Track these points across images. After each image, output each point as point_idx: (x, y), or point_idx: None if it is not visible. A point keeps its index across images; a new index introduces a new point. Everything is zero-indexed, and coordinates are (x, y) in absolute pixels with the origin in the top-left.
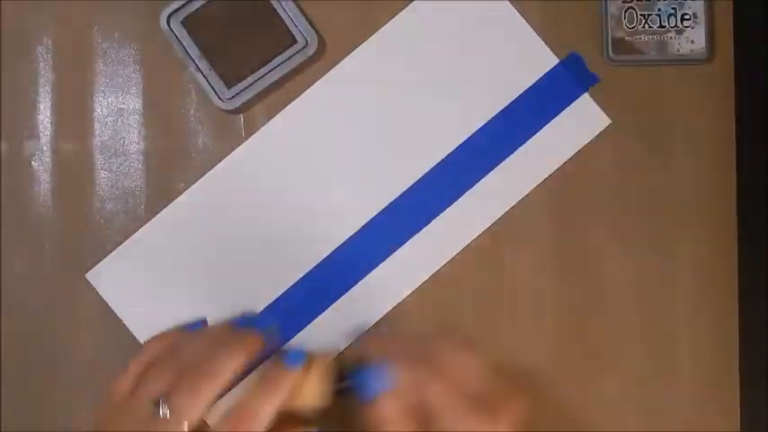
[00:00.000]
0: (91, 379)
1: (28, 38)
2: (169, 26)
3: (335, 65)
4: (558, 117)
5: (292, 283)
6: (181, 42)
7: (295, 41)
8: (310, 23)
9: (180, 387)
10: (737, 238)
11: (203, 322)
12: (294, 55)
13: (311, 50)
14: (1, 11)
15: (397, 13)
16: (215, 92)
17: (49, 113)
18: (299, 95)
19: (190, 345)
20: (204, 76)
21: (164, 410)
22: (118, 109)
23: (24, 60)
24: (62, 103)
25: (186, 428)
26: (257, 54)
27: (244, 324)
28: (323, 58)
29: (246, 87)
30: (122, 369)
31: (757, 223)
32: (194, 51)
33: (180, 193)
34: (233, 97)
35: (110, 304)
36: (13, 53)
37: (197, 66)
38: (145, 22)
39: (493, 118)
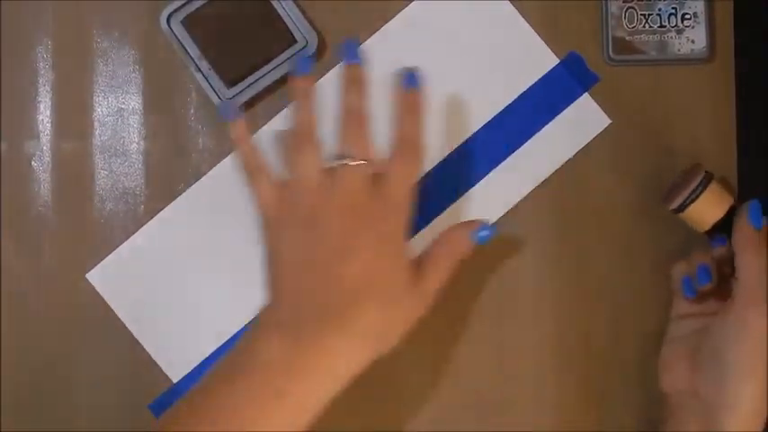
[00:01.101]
0: (91, 379)
1: (28, 38)
2: (169, 26)
3: (335, 65)
4: (558, 117)
5: None
6: (181, 42)
7: (295, 41)
8: (310, 23)
9: (345, 143)
10: None
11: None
12: (294, 55)
13: (311, 50)
14: (1, 11)
15: (396, 14)
16: (215, 92)
17: (48, 113)
18: None
19: (302, 115)
20: (204, 75)
21: (350, 162)
22: (118, 109)
23: (24, 60)
24: (62, 103)
25: (367, 162)
26: (257, 54)
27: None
28: (323, 57)
29: (246, 87)
30: (252, 170)
31: None
32: (194, 51)
33: (180, 193)
34: (233, 97)
35: (110, 304)
36: (13, 53)
37: (197, 66)
38: (145, 22)
39: (493, 118)
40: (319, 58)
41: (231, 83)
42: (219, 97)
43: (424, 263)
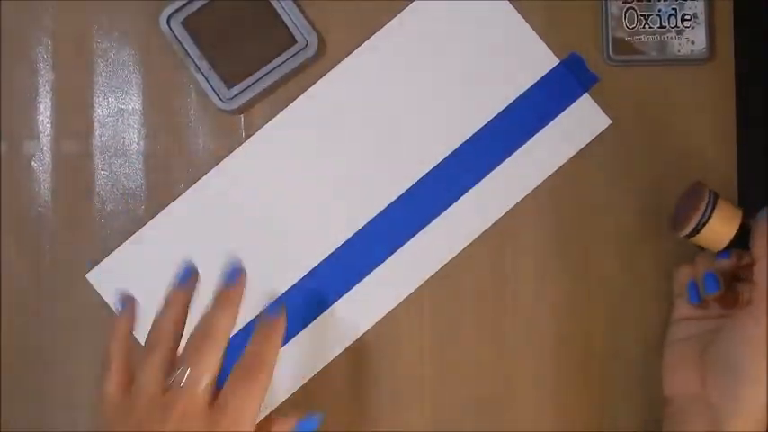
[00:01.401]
0: (91, 379)
1: (28, 38)
2: (169, 26)
3: (335, 65)
4: (558, 117)
5: (293, 284)
6: (181, 43)
7: (295, 42)
8: (310, 24)
9: (185, 359)
10: None
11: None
12: (294, 55)
13: (311, 51)
14: (1, 11)
15: (397, 14)
16: (215, 92)
17: (48, 114)
18: (299, 95)
19: (163, 321)
20: (204, 76)
21: (179, 379)
22: (118, 109)
23: (24, 60)
24: (62, 104)
25: (205, 386)
26: (257, 54)
27: (227, 278)
28: (323, 58)
29: (246, 88)
30: (107, 366)
31: None
32: (194, 52)
33: (180, 194)
34: (233, 98)
35: (110, 304)
36: (13, 53)
37: (197, 66)
38: (145, 23)
39: (493, 118)
40: (319, 58)
41: (231, 83)
42: (220, 98)
43: None
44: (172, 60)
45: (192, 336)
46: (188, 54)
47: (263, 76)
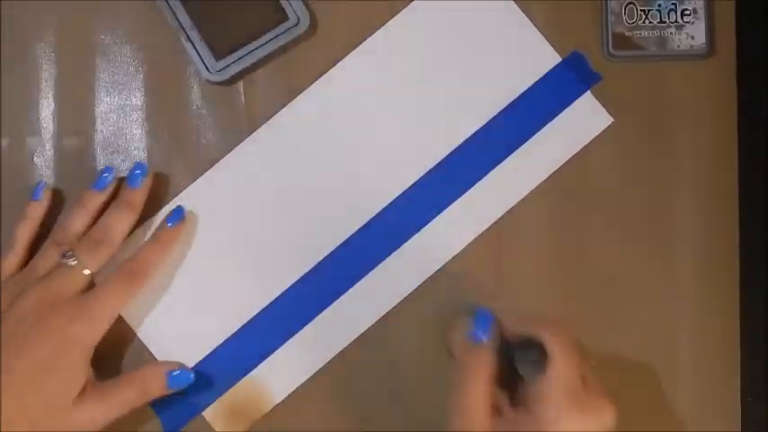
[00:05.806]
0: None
1: (29, 34)
2: None
3: (328, 46)
4: (560, 115)
5: (291, 283)
6: (173, 11)
7: (287, 18)
8: (305, 3)
9: (80, 248)
10: (738, 235)
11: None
12: (285, 32)
13: (302, 28)
14: (1, 9)
15: (399, 11)
16: (203, 63)
17: (50, 110)
18: (299, 92)
19: (74, 216)
20: (194, 46)
21: (71, 261)
22: (120, 105)
23: (26, 57)
24: (64, 100)
25: (89, 274)
26: (248, 28)
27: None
28: (312, 37)
29: (234, 61)
30: (11, 245)
31: (758, 220)
32: (186, 21)
33: (182, 190)
34: (221, 70)
35: None
36: (14, 50)
37: (187, 36)
38: (147, 19)
39: (495, 116)
40: (310, 37)
41: (220, 55)
42: (208, 68)
43: (108, 388)
44: (174, 56)
45: (90, 232)
46: (179, 23)
47: (252, 50)
